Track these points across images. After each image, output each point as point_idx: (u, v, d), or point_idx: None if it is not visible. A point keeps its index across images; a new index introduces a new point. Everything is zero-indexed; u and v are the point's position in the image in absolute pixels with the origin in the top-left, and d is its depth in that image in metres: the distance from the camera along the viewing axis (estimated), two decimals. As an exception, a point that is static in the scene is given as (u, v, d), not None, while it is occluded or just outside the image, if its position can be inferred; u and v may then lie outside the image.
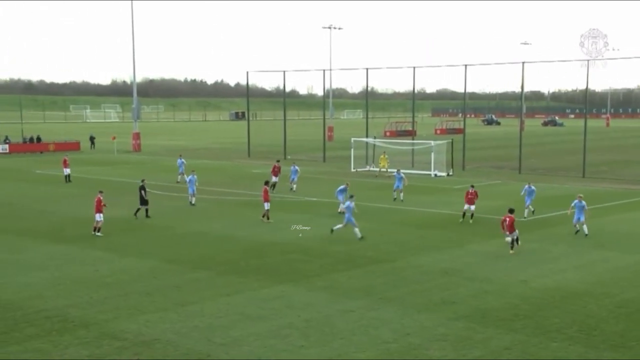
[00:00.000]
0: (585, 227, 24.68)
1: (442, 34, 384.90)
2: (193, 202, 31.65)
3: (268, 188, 28.13)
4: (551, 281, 18.64)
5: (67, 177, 40.57)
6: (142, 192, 28.12)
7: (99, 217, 24.86)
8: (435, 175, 43.82)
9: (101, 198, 25.19)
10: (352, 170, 46.92)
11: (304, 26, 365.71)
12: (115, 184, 39.09)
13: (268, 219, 27.28)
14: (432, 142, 46.53)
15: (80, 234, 25.14)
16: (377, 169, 43.85)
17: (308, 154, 60.20)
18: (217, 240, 24.15)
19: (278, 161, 37.13)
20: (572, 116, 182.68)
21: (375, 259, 21.15)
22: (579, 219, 24.63)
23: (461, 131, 57.76)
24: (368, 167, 48.28)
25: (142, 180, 29.04)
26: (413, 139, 55.21)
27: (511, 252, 22.01)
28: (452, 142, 47.04)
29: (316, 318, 15.54)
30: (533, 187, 28.73)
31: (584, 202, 24.71)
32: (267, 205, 27.45)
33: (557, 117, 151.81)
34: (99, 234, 24.73)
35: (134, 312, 15.88)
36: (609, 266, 20.46)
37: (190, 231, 25.74)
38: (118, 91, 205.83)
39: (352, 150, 48.47)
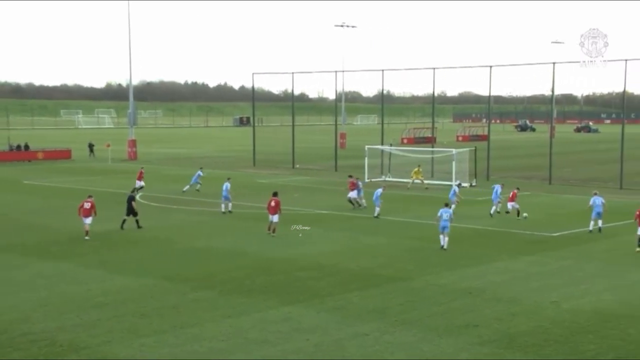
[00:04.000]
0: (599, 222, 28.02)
1: (465, 33, 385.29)
2: (226, 210, 32.97)
3: (279, 200, 28.10)
4: (586, 303, 18.48)
5: (140, 189, 40.34)
6: (133, 202, 28.73)
7: (87, 220, 26.51)
8: (458, 186, 43.62)
9: (91, 202, 26.83)
10: (366, 180, 46.81)
11: (314, 24, 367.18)
12: (109, 194, 39.25)
13: (273, 232, 27.56)
14: (454, 150, 46.39)
15: (72, 249, 25.24)
16: (410, 181, 43.72)
17: (318, 163, 60.25)
18: (221, 256, 24.18)
19: (350, 176, 36.80)
20: (608, 122, 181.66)
21: (392, 278, 21.07)
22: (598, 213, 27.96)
23: (486, 138, 57.58)
24: (383, 177, 48.22)
25: (133, 191, 29.73)
26: (433, 147, 55.10)
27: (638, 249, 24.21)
28: (475, 150, 46.90)
29: (326, 342, 15.48)
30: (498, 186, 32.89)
31: (601, 198, 28.17)
32: (275, 218, 27.62)
33: (591, 123, 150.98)
34: (87, 237, 26.37)
35: (128, 336, 15.88)
36: (650, 286, 20.26)
37: (191, 247, 25.79)
38: (113, 95, 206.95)
39: (366, 159, 48.43)
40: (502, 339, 15.66)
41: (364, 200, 35.03)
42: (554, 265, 22.89)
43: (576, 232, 28.57)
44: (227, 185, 33.37)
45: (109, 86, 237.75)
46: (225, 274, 21.63)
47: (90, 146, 69.38)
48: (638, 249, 24.55)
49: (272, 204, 27.83)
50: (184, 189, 40.59)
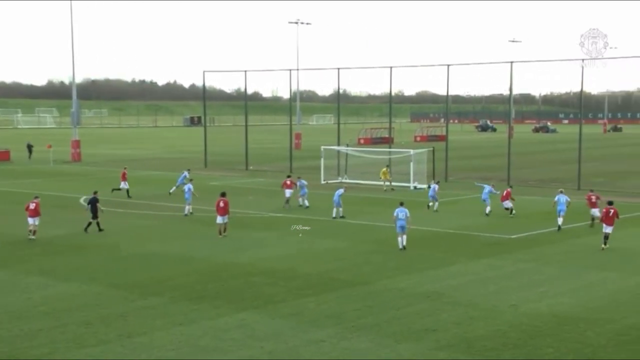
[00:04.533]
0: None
1: (422, 31, 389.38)
2: (187, 212, 33.40)
3: (228, 200, 28.47)
4: (544, 306, 18.88)
5: (127, 192, 40.06)
6: (98, 204, 28.95)
7: (32, 221, 27.02)
8: (415, 187, 44.12)
9: (36, 203, 27.31)
10: (323, 182, 47.00)
11: (267, 21, 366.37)
12: (52, 198, 38.52)
13: (224, 231, 28.14)
14: (412, 151, 46.85)
15: (11, 256, 24.72)
16: (382, 183, 44.01)
17: (273, 164, 60.17)
18: (171, 261, 23.98)
19: (289, 176, 37.79)
20: (566, 121, 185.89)
21: (349, 282, 21.19)
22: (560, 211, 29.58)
23: (444, 138, 58.31)
24: (340, 178, 48.43)
25: (95, 193, 29.84)
26: (390, 147, 55.56)
27: (605, 247, 25.45)
28: (433, 151, 47.45)
29: (281, 350, 15.50)
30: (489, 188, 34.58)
31: (566, 196, 29.97)
32: (225, 219, 28.10)
33: (549, 123, 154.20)
34: (33, 237, 26.95)
35: (72, 346, 15.65)
36: (609, 289, 20.81)
37: (140, 252, 25.52)
38: (55, 93, 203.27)
39: (322, 160, 48.56)
40: (460, 344, 15.91)
41: (306, 201, 36.02)
42: (512, 267, 23.32)
43: (534, 234, 29.16)
44: (189, 186, 33.88)
45: (50, 84, 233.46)
46: (176, 279, 21.46)
47: (29, 147, 67.94)
48: (604, 247, 25.57)
49: (221, 204, 28.23)
50: (170, 190, 40.49)
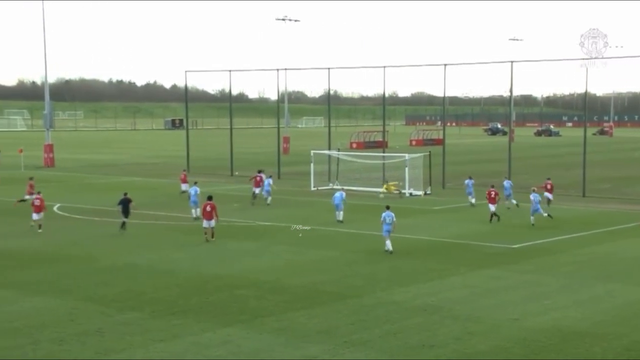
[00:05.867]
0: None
1: (418, 29, 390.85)
2: (195, 215, 34.06)
3: (215, 204, 29.06)
4: (548, 319, 18.93)
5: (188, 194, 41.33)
6: (130, 204, 31.11)
7: (36, 216, 30.05)
8: (411, 194, 44.18)
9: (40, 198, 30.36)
10: (312, 189, 47.01)
11: (254, 18, 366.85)
12: (24, 207, 38.28)
13: (212, 237, 28.86)
14: (407, 156, 46.96)
15: (-21, 268, 24.59)
16: (385, 191, 44.02)
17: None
18: (151, 273, 23.91)
19: (260, 171, 41.10)
20: (570, 124, 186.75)
21: (340, 295, 21.19)
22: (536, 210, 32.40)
23: (441, 142, 58.40)
24: (331, 184, 48.42)
25: (125, 194, 31.61)
26: (384, 152, 55.62)
27: None
28: (430, 155, 47.53)
29: (270, 367, 15.47)
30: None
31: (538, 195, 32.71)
32: (212, 223, 28.75)
33: (552, 126, 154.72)
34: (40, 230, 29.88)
35: (46, 364, 15.55)
36: (616, 302, 20.90)
37: (118, 263, 25.43)
38: (26, 94, 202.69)
39: (312, 165, 48.56)
40: (460, 360, 15.92)
41: (269, 197, 39.12)
42: (515, 279, 23.37)
43: (538, 243, 29.24)
44: (196, 189, 34.87)
45: (21, 84, 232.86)
46: (156, 293, 21.39)
47: None
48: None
49: (208, 208, 28.86)
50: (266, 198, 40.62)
